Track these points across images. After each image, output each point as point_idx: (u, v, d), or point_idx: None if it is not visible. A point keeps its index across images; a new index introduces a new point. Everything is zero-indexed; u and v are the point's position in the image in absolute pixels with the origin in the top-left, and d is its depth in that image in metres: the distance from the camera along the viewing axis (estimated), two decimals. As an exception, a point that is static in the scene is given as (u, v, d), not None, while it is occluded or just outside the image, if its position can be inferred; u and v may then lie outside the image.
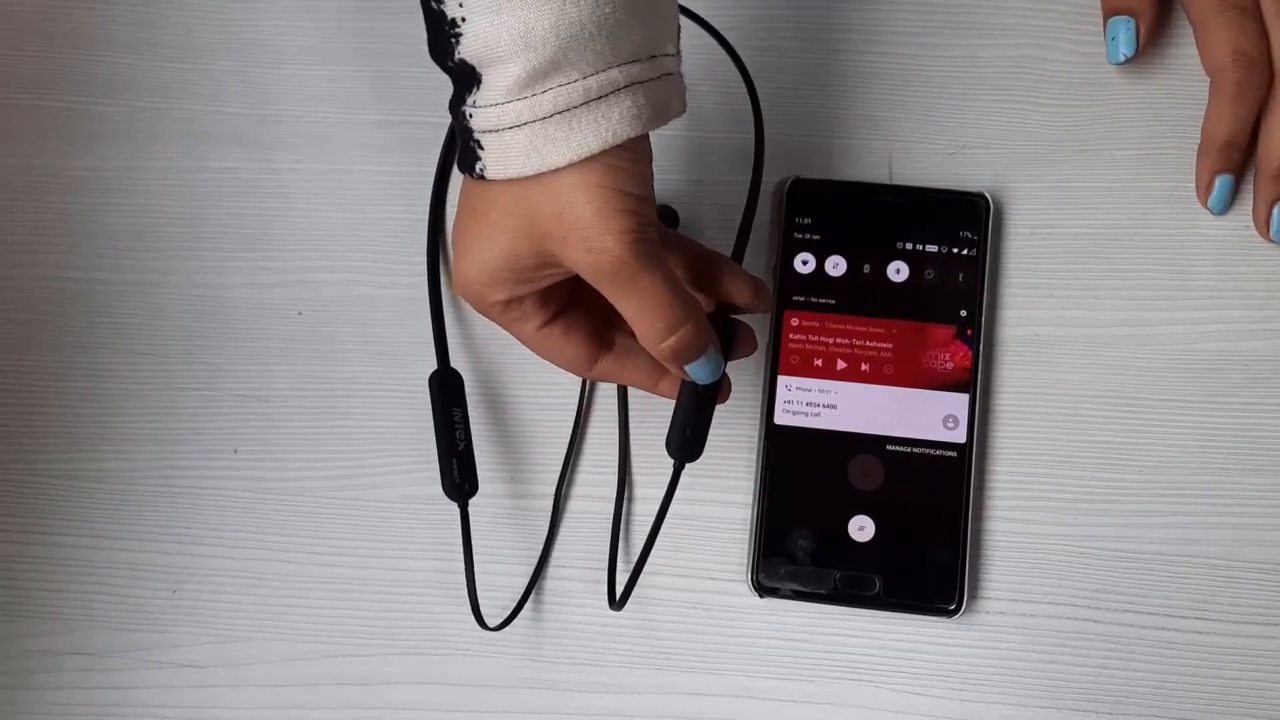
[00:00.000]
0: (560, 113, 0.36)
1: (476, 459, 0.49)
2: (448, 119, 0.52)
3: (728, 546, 0.49)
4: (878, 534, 0.48)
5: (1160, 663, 0.48)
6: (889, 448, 0.48)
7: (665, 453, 0.44)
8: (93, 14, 0.54)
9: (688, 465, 0.44)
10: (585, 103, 0.36)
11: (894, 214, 0.50)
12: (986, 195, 0.50)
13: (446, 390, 0.49)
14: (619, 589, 0.46)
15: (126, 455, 0.51)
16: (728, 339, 0.43)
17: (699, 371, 0.41)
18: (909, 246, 0.49)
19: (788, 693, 0.48)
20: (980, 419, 0.49)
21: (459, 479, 0.48)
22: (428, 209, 0.51)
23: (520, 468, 0.50)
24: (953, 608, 0.47)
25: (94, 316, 0.52)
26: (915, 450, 0.48)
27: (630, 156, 0.37)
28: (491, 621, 0.48)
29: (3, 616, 0.50)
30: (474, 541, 0.48)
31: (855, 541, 0.48)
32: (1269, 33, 0.48)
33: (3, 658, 0.50)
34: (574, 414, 0.50)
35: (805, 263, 0.50)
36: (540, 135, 0.36)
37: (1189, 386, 0.49)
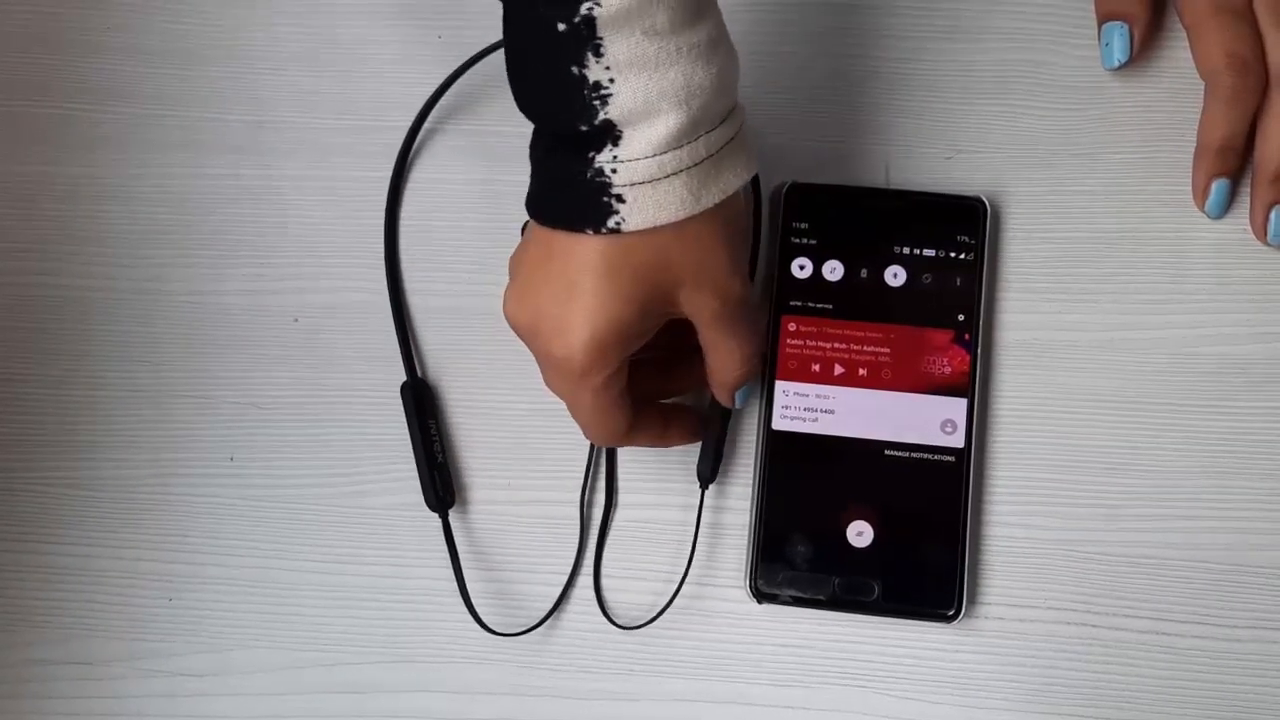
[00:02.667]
0: (711, 156, 0.38)
1: (472, 467, 0.49)
2: (442, 126, 0.52)
3: (726, 553, 0.49)
4: (876, 539, 0.48)
5: (1160, 668, 0.47)
6: (887, 453, 0.48)
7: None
8: (89, 21, 0.54)
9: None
10: (724, 145, 0.39)
11: (891, 218, 0.50)
12: (984, 199, 0.50)
13: (420, 402, 0.49)
14: (607, 609, 0.47)
15: (122, 463, 0.51)
16: None
17: (744, 395, 0.45)
18: (906, 251, 0.49)
19: (786, 699, 0.48)
20: (978, 423, 0.49)
21: (440, 490, 0.48)
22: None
23: (510, 475, 0.50)
24: (952, 613, 0.47)
25: (90, 324, 0.52)
26: (913, 455, 0.48)
27: (742, 199, 0.41)
28: (501, 628, 0.48)
29: (-2, 625, 0.50)
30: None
31: (854, 547, 0.48)
32: (1263, 36, 0.48)
33: (-2, 667, 0.50)
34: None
35: (803, 267, 0.50)
36: (697, 179, 0.38)
37: (1187, 390, 0.49)
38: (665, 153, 0.37)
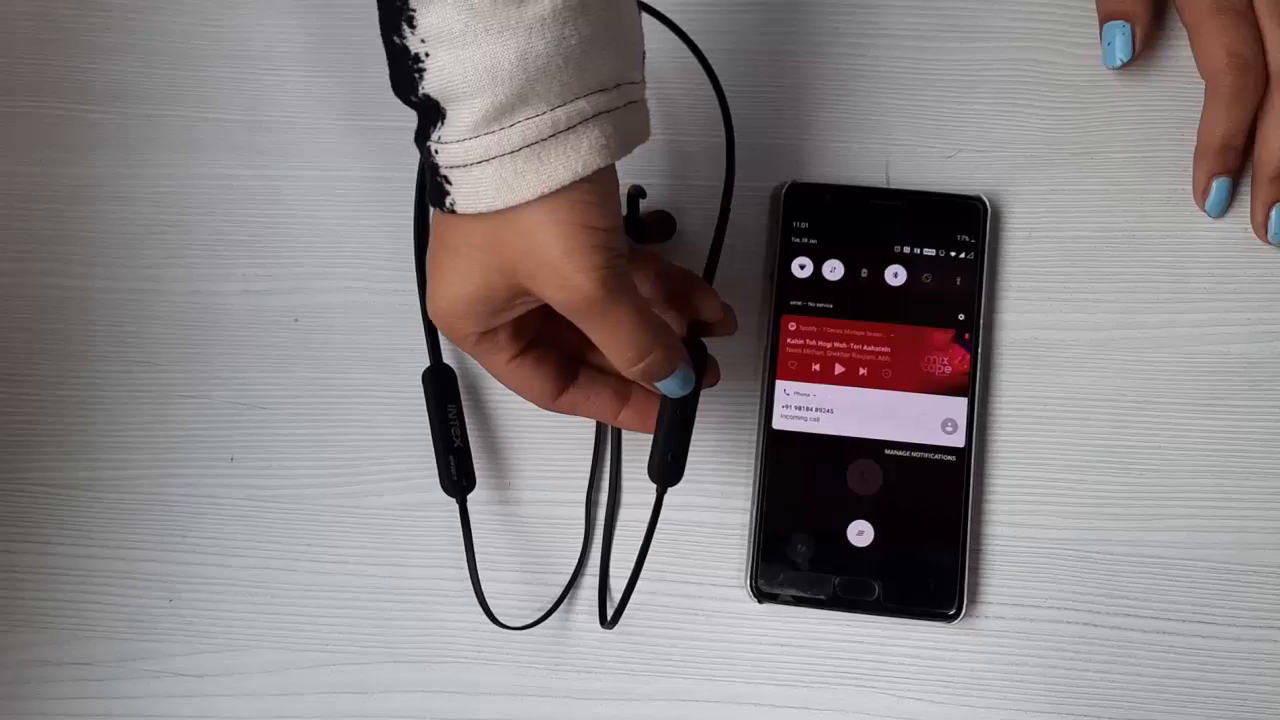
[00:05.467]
0: (529, 146, 0.36)
1: (478, 463, 0.48)
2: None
3: (727, 552, 0.49)
4: (877, 539, 0.48)
5: (1162, 667, 0.47)
6: (888, 452, 0.48)
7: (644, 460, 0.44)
8: (87, 21, 0.54)
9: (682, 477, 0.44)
10: (554, 134, 0.36)
11: (892, 217, 0.50)
12: (984, 198, 0.50)
13: (441, 386, 0.49)
14: (609, 607, 0.46)
15: (122, 464, 0.51)
16: (699, 356, 0.44)
17: (670, 387, 0.42)
18: (907, 250, 0.49)
19: (787, 699, 0.48)
20: (979, 423, 0.48)
21: (456, 475, 0.48)
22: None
23: (513, 473, 0.50)
24: (952, 613, 0.47)
25: (89, 324, 0.52)
26: (914, 454, 0.48)
27: (597, 189, 0.37)
28: (505, 623, 0.48)
29: (-2, 626, 0.50)
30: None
31: (854, 546, 0.48)
32: (1264, 35, 0.48)
33: (-2, 668, 0.50)
34: (591, 422, 0.50)
35: (803, 267, 0.50)
36: (509, 169, 0.36)
37: (1188, 389, 0.49)
38: (474, 137, 0.36)
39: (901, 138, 0.51)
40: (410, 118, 0.48)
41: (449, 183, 0.37)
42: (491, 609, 0.47)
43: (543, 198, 0.36)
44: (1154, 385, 0.49)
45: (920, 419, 0.48)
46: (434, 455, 0.48)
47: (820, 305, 0.49)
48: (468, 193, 0.37)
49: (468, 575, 0.48)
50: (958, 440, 0.48)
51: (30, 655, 0.50)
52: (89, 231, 0.52)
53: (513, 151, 0.36)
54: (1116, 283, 0.50)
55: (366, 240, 0.52)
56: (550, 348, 0.43)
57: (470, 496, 0.49)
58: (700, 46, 0.50)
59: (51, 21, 0.54)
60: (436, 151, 0.37)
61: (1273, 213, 0.49)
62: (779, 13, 0.52)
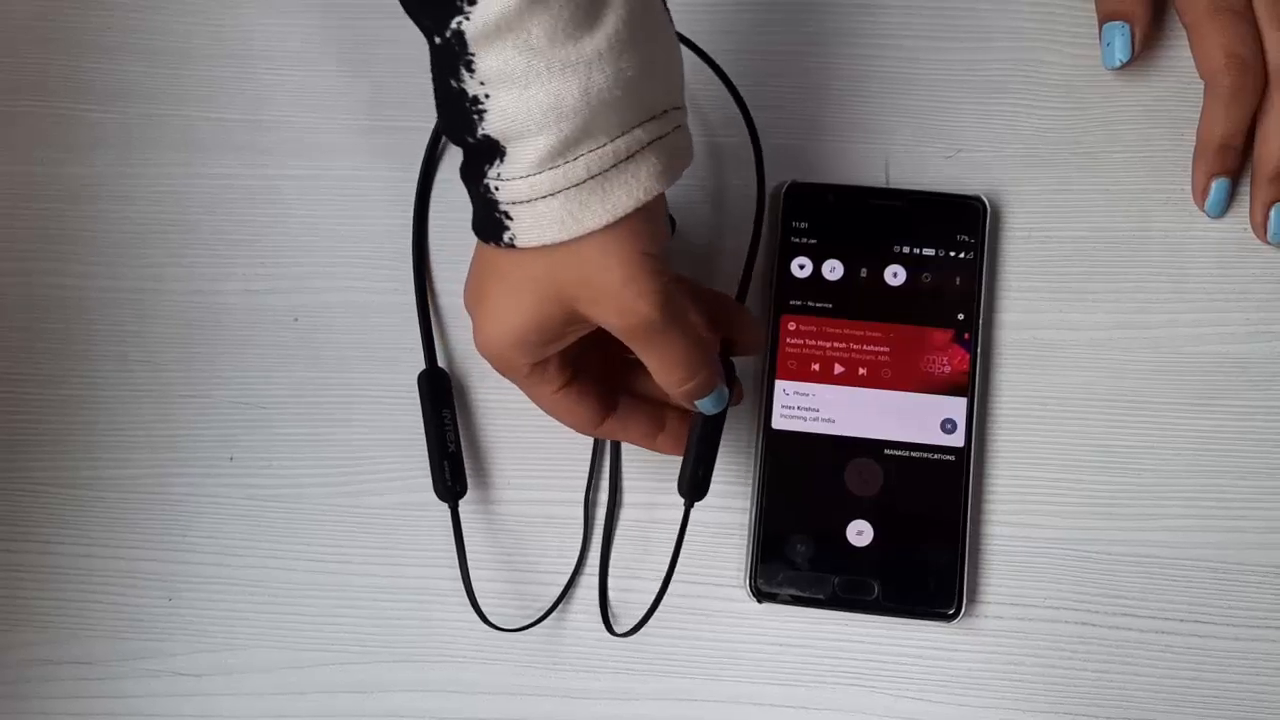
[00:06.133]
0: (593, 177, 0.36)
1: (475, 462, 0.48)
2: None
3: (726, 552, 0.49)
4: (876, 539, 0.48)
5: (1160, 666, 0.47)
6: (887, 452, 0.48)
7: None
8: (87, 20, 0.54)
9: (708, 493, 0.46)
10: (615, 165, 0.37)
11: (891, 218, 0.50)
12: (984, 198, 0.50)
13: (436, 390, 0.49)
14: (610, 611, 0.47)
15: (122, 463, 0.51)
16: (730, 374, 0.45)
17: (708, 405, 0.43)
18: (906, 250, 0.49)
19: (786, 698, 0.48)
20: (978, 423, 0.49)
21: (450, 480, 0.48)
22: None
23: (511, 473, 0.50)
24: (952, 612, 0.47)
25: (89, 324, 0.52)
26: (913, 454, 0.48)
27: (651, 215, 0.38)
28: (503, 625, 0.48)
29: (-2, 625, 0.50)
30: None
31: (854, 546, 0.48)
32: (1263, 35, 0.48)
33: (-2, 667, 0.50)
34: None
35: (802, 267, 0.50)
36: (575, 201, 0.37)
37: (1188, 389, 0.49)
38: (539, 173, 0.36)
39: (901, 138, 0.51)
40: (415, 116, 0.48)
41: (509, 218, 0.37)
42: (487, 611, 0.47)
43: (609, 228, 0.37)
44: (1153, 385, 0.49)
45: (919, 419, 0.48)
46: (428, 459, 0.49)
47: (820, 305, 0.49)
48: (530, 226, 0.37)
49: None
50: (957, 440, 0.48)
51: (30, 654, 0.50)
52: (90, 231, 0.53)
53: (578, 184, 0.36)
54: (1115, 283, 0.50)
55: (368, 240, 0.52)
56: (592, 378, 0.43)
57: (469, 497, 0.49)
58: (701, 46, 0.50)
59: (53, 21, 0.54)
60: (496, 189, 0.37)
61: (1272, 212, 0.49)
62: (779, 13, 0.52)
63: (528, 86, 0.35)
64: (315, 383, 0.51)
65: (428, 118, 0.52)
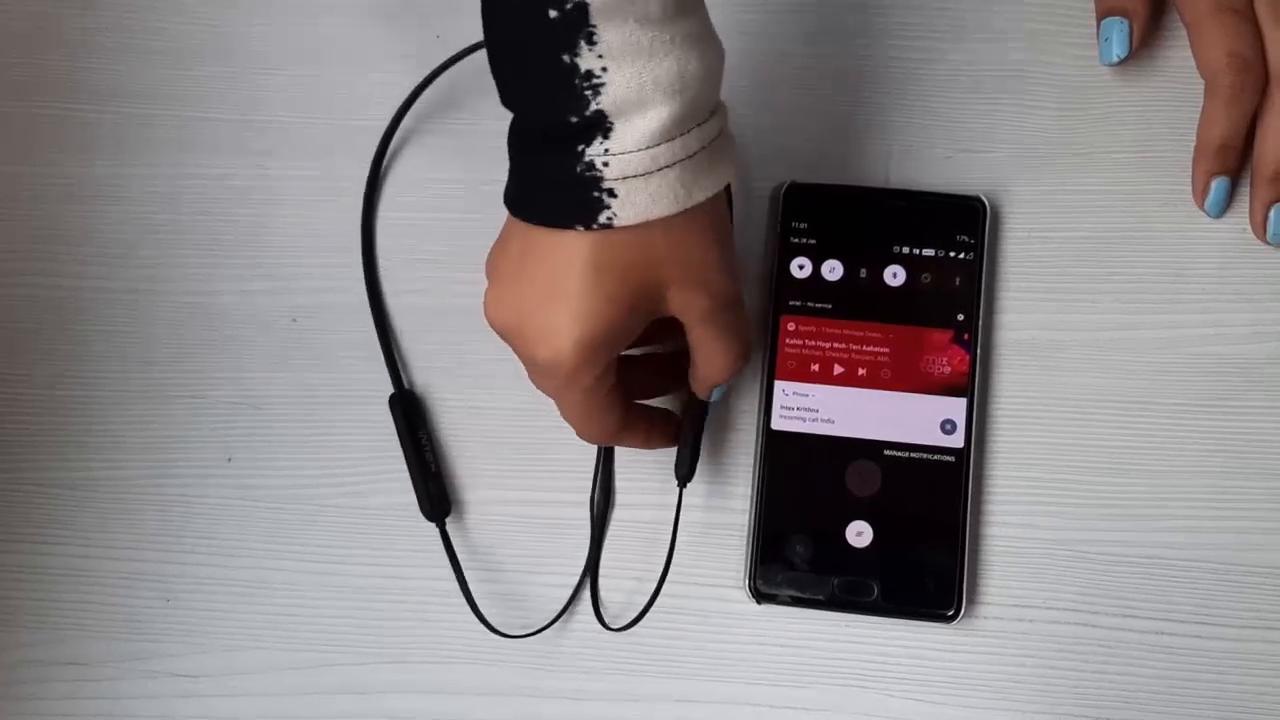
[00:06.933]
0: (703, 149, 0.37)
1: (467, 470, 0.49)
2: (435, 124, 0.52)
3: (725, 553, 0.49)
4: (876, 539, 0.48)
5: (1161, 668, 0.47)
6: (887, 453, 0.48)
7: (648, 463, 0.46)
8: (81, 20, 0.54)
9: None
10: (715, 139, 0.38)
11: (891, 218, 0.50)
12: (983, 199, 0.50)
13: (410, 413, 0.49)
14: (602, 608, 0.47)
15: (118, 464, 0.51)
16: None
17: (721, 390, 0.44)
18: (906, 250, 0.49)
19: (786, 699, 0.48)
20: (978, 423, 0.48)
21: (434, 501, 0.48)
22: (359, 219, 0.51)
23: (510, 475, 0.50)
24: (951, 613, 0.47)
25: (84, 325, 0.52)
26: (913, 455, 0.48)
27: (727, 192, 0.40)
28: (504, 628, 0.48)
29: (-6, 627, 0.50)
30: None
31: (853, 547, 0.48)
32: (1263, 35, 0.48)
33: (-6, 669, 0.50)
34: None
35: (802, 267, 0.49)
36: (690, 173, 0.37)
37: (1188, 389, 0.49)
38: (658, 145, 0.36)
39: (901, 138, 0.51)
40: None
41: (612, 195, 0.37)
42: (488, 616, 0.47)
43: (700, 206, 0.38)
44: (1153, 385, 0.49)
45: (919, 419, 0.48)
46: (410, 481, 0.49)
47: (819, 305, 0.49)
48: (639, 201, 0.37)
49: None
50: (956, 441, 0.48)
51: (26, 655, 0.50)
52: (84, 231, 0.52)
53: (691, 155, 0.37)
54: (1115, 283, 0.50)
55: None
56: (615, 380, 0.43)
57: (467, 498, 0.49)
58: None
59: (47, 21, 0.54)
60: (605, 164, 0.36)
61: (1271, 212, 0.49)
62: (779, 13, 0.52)
63: (652, 57, 0.35)
64: (312, 383, 0.51)
65: (426, 117, 0.52)
